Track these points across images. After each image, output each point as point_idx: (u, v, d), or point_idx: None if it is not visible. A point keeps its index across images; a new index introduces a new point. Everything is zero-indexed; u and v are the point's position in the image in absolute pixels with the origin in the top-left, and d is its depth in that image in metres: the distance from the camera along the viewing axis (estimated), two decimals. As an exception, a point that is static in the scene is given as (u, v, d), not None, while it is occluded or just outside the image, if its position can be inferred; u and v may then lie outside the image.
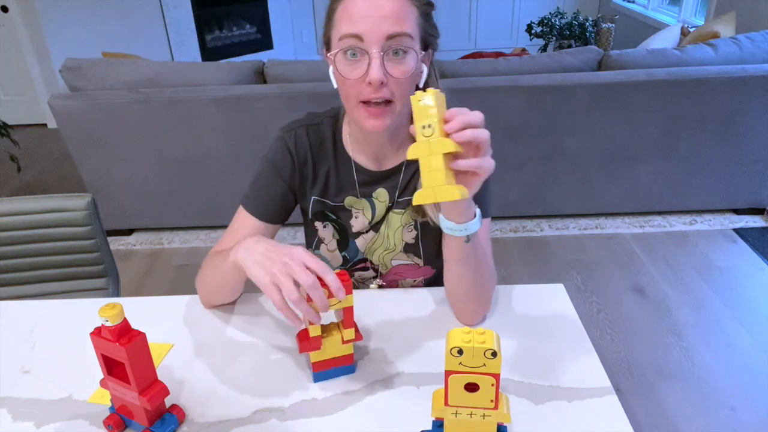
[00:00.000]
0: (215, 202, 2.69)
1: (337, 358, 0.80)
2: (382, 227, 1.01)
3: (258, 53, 5.15)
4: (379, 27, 0.79)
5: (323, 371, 0.81)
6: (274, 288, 0.71)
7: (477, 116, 0.69)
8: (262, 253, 0.75)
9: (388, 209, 1.00)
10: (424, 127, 0.68)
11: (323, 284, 0.71)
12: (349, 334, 0.79)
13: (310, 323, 0.75)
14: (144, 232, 2.81)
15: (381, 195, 0.99)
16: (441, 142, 0.67)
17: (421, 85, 0.90)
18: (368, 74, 0.80)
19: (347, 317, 0.77)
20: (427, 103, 0.68)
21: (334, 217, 1.01)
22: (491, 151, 0.72)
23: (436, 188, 0.68)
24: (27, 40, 4.08)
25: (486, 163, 0.71)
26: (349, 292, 0.74)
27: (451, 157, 0.70)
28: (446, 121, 0.69)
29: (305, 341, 0.77)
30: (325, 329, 0.80)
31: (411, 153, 0.69)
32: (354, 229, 1.02)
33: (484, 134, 0.70)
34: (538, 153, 2.56)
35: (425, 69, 0.89)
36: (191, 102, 2.42)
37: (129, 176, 2.60)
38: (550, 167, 2.59)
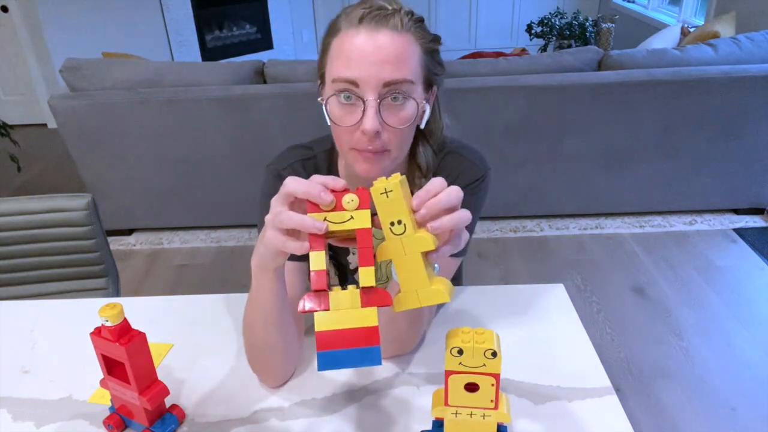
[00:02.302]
0: (215, 202, 2.69)
1: (353, 332, 0.57)
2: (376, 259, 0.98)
3: (258, 53, 5.15)
4: (377, 73, 0.72)
5: (332, 352, 0.56)
6: (274, 231, 0.61)
7: (453, 196, 0.57)
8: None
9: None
10: (392, 224, 0.57)
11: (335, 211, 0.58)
12: (366, 276, 0.57)
13: (311, 242, 0.57)
14: (144, 232, 2.81)
15: (377, 233, 0.95)
16: (417, 240, 0.57)
17: (422, 126, 0.82)
18: (362, 123, 0.73)
19: (362, 247, 0.57)
20: (394, 194, 0.56)
21: (332, 253, 0.99)
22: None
23: (420, 292, 0.58)
24: (27, 40, 4.08)
25: (460, 241, 0.60)
26: (365, 206, 0.57)
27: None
28: (415, 210, 0.57)
29: (307, 296, 0.58)
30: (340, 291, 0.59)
31: (381, 255, 0.58)
32: (351, 266, 1.01)
33: (464, 218, 0.58)
34: (538, 153, 2.56)
35: (428, 109, 0.81)
36: (191, 102, 2.42)
37: (129, 176, 2.60)
38: (550, 167, 2.59)
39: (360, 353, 0.56)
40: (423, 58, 0.77)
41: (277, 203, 0.61)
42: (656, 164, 2.57)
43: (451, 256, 0.62)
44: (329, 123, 0.79)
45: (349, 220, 0.57)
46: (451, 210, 0.57)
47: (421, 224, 0.58)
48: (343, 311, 0.57)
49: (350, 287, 0.58)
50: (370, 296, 0.57)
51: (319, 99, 0.79)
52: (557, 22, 4.66)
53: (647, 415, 1.66)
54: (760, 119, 2.44)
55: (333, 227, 0.57)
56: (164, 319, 0.96)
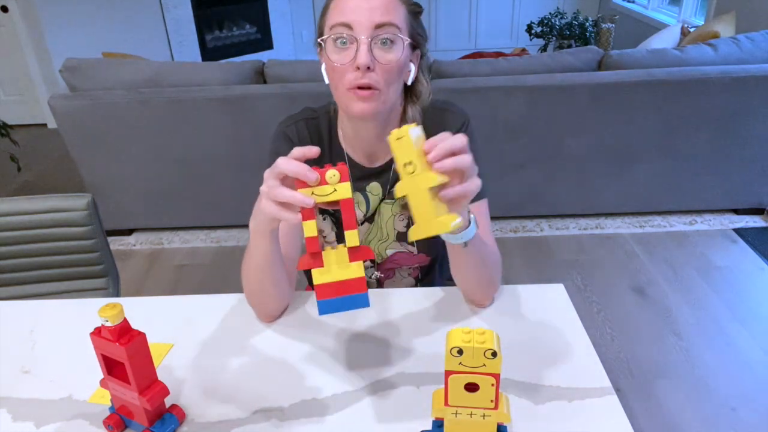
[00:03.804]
0: (215, 201, 2.69)
1: (344, 283, 0.70)
2: (376, 218, 1.05)
3: (258, 53, 5.15)
4: (369, 16, 0.84)
5: (329, 300, 0.70)
6: (269, 201, 0.70)
7: (458, 141, 0.68)
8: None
9: (380, 201, 1.04)
10: (405, 165, 0.68)
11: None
12: (351, 238, 0.69)
13: (303, 214, 0.68)
14: (144, 232, 2.81)
15: (374, 189, 1.03)
16: (425, 178, 0.67)
17: (409, 83, 0.93)
18: (356, 59, 0.84)
19: (346, 214, 0.69)
20: (405, 139, 0.67)
21: (331, 210, 1.04)
22: (476, 170, 0.71)
23: (429, 222, 0.68)
24: (27, 40, 4.08)
25: (472, 186, 0.70)
26: (345, 179, 0.68)
27: (439, 187, 0.69)
28: (427, 153, 0.68)
29: (305, 257, 0.70)
30: (331, 251, 0.71)
31: (398, 192, 0.69)
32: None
33: (466, 160, 0.69)
34: (538, 153, 2.56)
35: (413, 68, 0.92)
36: (191, 102, 2.42)
37: (129, 176, 2.60)
38: (550, 167, 2.59)
39: (351, 299, 0.70)
40: (408, 18, 0.89)
41: (270, 177, 0.71)
42: (656, 164, 2.57)
43: (473, 200, 0.74)
44: (326, 79, 0.90)
45: (332, 192, 0.68)
46: (455, 153, 0.68)
47: (432, 165, 0.68)
48: (335, 266, 0.70)
49: (339, 246, 0.71)
50: (356, 253, 0.70)
51: (318, 39, 0.90)
52: (557, 22, 4.65)
53: (647, 415, 1.66)
54: (760, 119, 2.44)
55: (319, 199, 0.68)
56: (164, 319, 0.96)
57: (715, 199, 2.69)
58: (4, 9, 3.99)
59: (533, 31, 4.82)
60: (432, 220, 0.68)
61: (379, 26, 0.84)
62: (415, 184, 0.68)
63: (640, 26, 4.64)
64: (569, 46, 4.63)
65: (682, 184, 2.63)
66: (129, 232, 2.80)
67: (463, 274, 0.92)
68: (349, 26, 0.84)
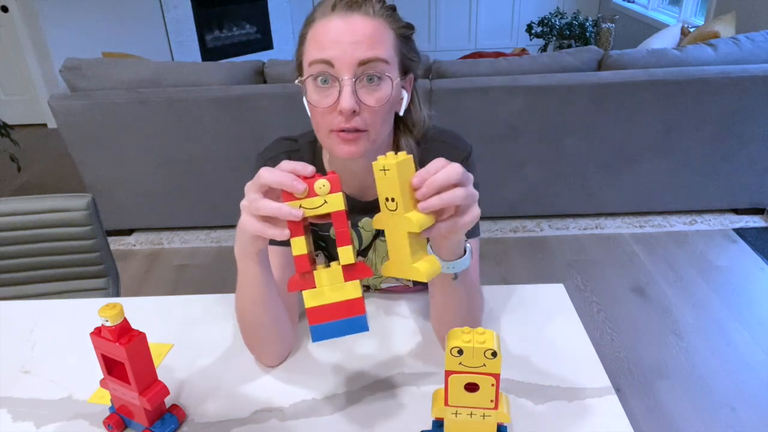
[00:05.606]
0: (215, 202, 2.69)
1: (340, 305, 0.62)
2: (370, 253, 0.98)
3: (258, 53, 5.15)
4: (351, 52, 0.73)
5: (323, 325, 0.62)
6: (251, 217, 0.64)
7: (452, 173, 0.60)
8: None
9: (375, 237, 0.97)
10: (387, 200, 0.60)
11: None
12: (345, 255, 0.61)
13: (291, 229, 0.61)
14: (144, 232, 2.81)
15: (367, 225, 0.95)
16: (405, 221, 0.60)
17: (401, 113, 0.84)
18: (339, 102, 0.74)
19: (339, 229, 0.61)
20: (390, 173, 0.59)
21: (324, 244, 0.99)
22: (476, 198, 0.64)
23: (403, 266, 0.62)
24: (27, 40, 4.08)
25: (467, 219, 0.63)
26: (336, 189, 0.61)
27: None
28: (415, 188, 0.60)
29: (294, 277, 0.63)
30: (323, 270, 0.64)
31: (375, 224, 0.63)
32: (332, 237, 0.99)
33: (458, 195, 0.61)
34: (538, 153, 2.56)
35: (406, 95, 0.83)
36: (191, 102, 2.42)
37: (129, 176, 2.60)
38: (550, 167, 2.59)
39: (348, 323, 0.63)
40: (396, 43, 0.79)
41: (251, 190, 0.65)
42: (656, 164, 2.57)
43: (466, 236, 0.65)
44: (309, 111, 0.80)
45: (322, 204, 0.61)
46: (449, 187, 0.61)
47: (420, 201, 0.61)
48: (328, 287, 0.62)
49: (333, 264, 0.63)
50: (352, 271, 0.62)
51: (296, 81, 0.81)
52: (557, 22, 4.66)
53: (647, 415, 1.66)
54: (760, 119, 2.44)
55: (309, 213, 0.61)
56: (164, 319, 0.96)
57: (715, 199, 2.69)
58: (4, 9, 3.99)
59: (533, 31, 4.82)
60: (406, 265, 0.62)
61: (363, 63, 0.74)
62: (394, 223, 0.61)
63: (640, 26, 4.64)
64: (569, 46, 4.63)
65: (682, 184, 2.63)
66: (129, 232, 2.80)
67: (442, 311, 0.83)
68: (329, 63, 0.74)
